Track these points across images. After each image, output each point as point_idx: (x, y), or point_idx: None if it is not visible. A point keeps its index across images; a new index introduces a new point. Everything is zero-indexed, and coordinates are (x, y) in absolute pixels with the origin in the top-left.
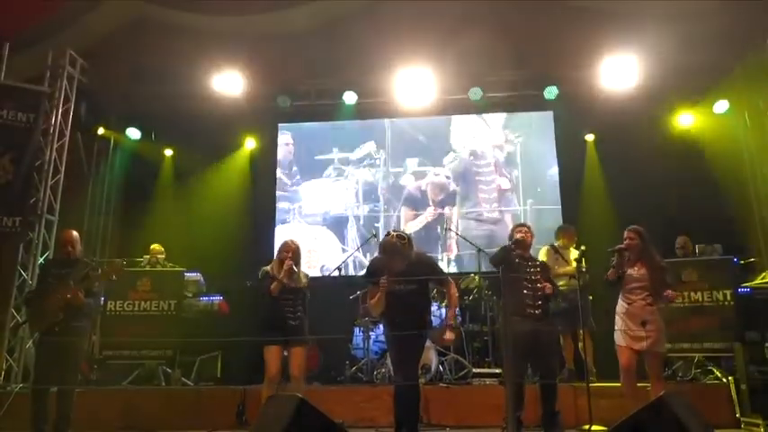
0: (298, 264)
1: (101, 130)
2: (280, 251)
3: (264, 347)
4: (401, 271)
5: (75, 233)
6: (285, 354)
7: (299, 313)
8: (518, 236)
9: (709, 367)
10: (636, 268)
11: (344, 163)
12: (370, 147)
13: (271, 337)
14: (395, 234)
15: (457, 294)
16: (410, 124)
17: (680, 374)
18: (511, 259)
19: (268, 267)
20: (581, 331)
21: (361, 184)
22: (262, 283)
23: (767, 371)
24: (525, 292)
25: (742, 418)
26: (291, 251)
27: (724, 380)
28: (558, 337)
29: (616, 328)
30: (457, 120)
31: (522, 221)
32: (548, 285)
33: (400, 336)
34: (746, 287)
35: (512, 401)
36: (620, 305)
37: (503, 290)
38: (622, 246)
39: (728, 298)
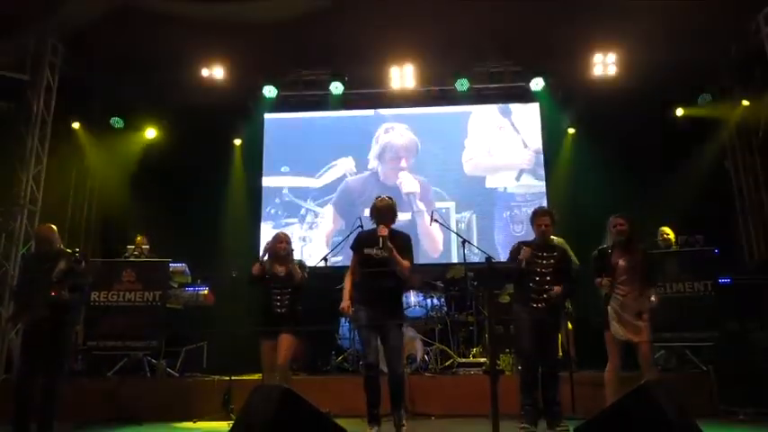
0: (289, 256)
1: (75, 125)
2: (273, 243)
3: (260, 342)
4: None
5: (52, 228)
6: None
7: (287, 301)
8: (537, 230)
9: (690, 356)
10: (624, 258)
11: (301, 195)
12: (345, 165)
13: (261, 327)
14: (386, 196)
15: (408, 267)
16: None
17: (661, 363)
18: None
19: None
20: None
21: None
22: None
23: (746, 360)
24: (531, 285)
25: (721, 407)
26: (283, 241)
27: (704, 369)
28: (557, 329)
29: (611, 320)
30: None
31: (546, 207)
32: (556, 289)
33: (373, 308)
34: (727, 277)
35: (523, 389)
36: (613, 297)
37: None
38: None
39: (709, 288)
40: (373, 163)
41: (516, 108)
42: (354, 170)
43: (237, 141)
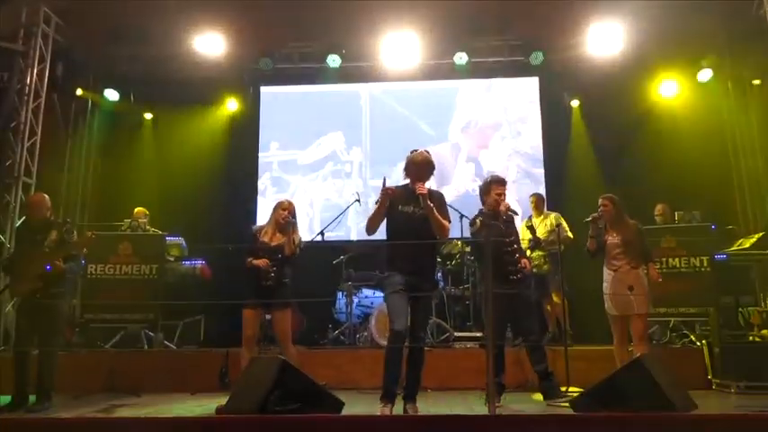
0: (288, 226)
1: (78, 91)
2: (275, 209)
3: (243, 309)
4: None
5: (43, 196)
6: (268, 317)
7: (272, 273)
8: (491, 199)
9: (684, 331)
10: (614, 235)
11: (290, 170)
12: (334, 141)
13: (247, 299)
14: (424, 150)
15: (448, 228)
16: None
17: (655, 338)
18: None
19: (261, 225)
20: (552, 296)
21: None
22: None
23: (739, 334)
24: (506, 258)
25: (714, 380)
26: (286, 209)
27: (698, 343)
28: (532, 299)
29: (605, 296)
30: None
31: (496, 175)
32: (525, 262)
33: (410, 275)
34: (723, 254)
35: (491, 366)
36: (606, 273)
37: (485, 259)
38: (596, 215)
39: (705, 264)
40: (455, 135)
41: (497, 83)
42: (344, 145)
43: (232, 111)
